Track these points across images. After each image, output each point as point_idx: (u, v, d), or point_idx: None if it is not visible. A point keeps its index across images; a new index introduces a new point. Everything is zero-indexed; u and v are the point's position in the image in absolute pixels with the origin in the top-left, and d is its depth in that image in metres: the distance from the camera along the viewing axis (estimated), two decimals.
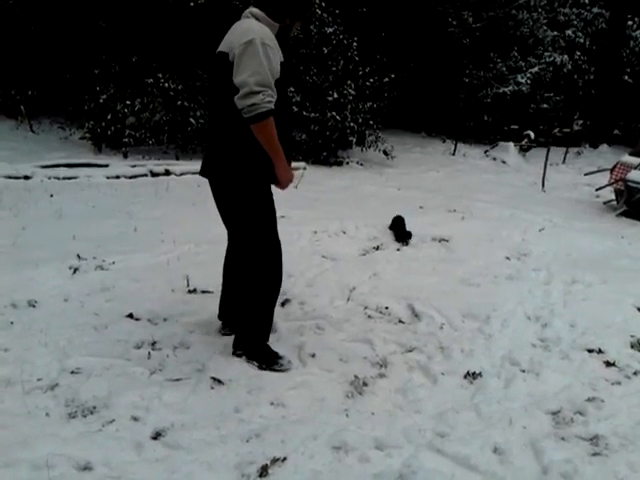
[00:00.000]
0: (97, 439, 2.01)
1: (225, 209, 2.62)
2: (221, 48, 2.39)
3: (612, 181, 6.96)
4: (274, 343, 2.81)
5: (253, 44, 2.23)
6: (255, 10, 2.41)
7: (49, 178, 6.23)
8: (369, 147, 9.74)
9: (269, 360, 2.61)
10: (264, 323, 2.66)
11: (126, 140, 8.07)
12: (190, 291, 3.42)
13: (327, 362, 2.68)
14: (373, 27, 11.21)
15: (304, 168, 7.92)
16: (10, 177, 6.02)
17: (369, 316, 3.27)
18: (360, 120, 9.06)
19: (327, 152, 9.06)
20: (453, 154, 11.56)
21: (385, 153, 9.75)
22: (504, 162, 11.02)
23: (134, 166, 7.05)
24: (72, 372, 2.42)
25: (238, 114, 2.28)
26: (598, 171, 8.29)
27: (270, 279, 2.62)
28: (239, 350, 2.65)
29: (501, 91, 12.95)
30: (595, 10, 15.42)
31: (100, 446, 1.97)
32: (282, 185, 2.54)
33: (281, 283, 2.71)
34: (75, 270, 3.59)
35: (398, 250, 4.58)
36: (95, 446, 1.96)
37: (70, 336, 2.73)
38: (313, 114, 8.62)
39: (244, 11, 2.49)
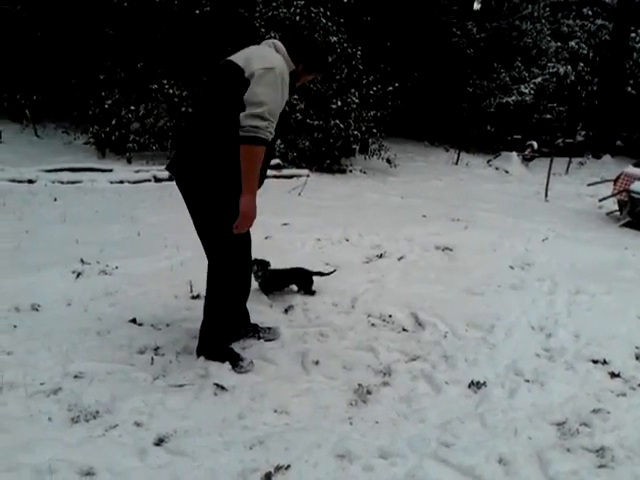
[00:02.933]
0: (100, 444, 2.00)
1: (195, 212, 2.52)
2: (235, 60, 2.35)
3: (616, 192, 6.95)
4: (277, 349, 2.81)
5: (274, 73, 2.25)
6: (279, 44, 2.44)
7: (53, 182, 6.25)
8: (372, 155, 9.76)
9: (231, 361, 2.60)
10: (222, 326, 2.65)
11: (130, 145, 8.09)
12: (193, 297, 3.42)
13: (331, 370, 2.67)
14: (377, 36, 11.27)
15: (307, 175, 7.93)
16: (14, 181, 6.05)
17: (372, 324, 3.26)
18: (363, 128, 9.09)
19: (330, 160, 9.08)
20: (456, 163, 11.58)
21: (388, 161, 9.76)
22: (507, 172, 11.04)
23: (138, 171, 7.07)
24: (75, 376, 2.42)
25: (231, 126, 2.24)
26: (601, 182, 8.28)
27: (227, 287, 2.60)
28: (202, 354, 2.63)
29: (504, 101, 12.98)
30: (599, 22, 15.51)
31: (103, 451, 1.95)
32: (242, 219, 2.34)
33: (242, 292, 2.77)
34: (78, 274, 3.59)
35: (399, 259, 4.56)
36: (98, 451, 1.95)
37: (73, 340, 2.72)
38: (317, 122, 8.64)
39: (267, 39, 2.52)
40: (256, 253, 4.14)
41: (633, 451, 2.17)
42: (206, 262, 2.59)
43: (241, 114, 2.22)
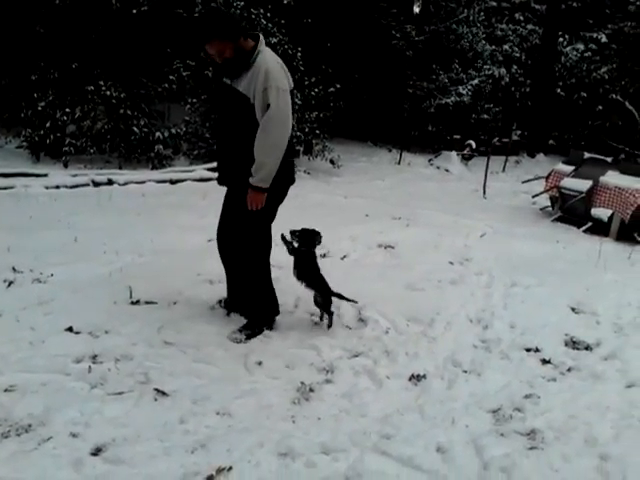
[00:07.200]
0: (32, 458, 1.93)
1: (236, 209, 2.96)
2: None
3: (547, 188, 7.29)
4: (220, 352, 2.79)
5: None
6: None
7: None
8: (316, 156, 9.81)
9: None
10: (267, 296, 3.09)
11: (66, 149, 7.79)
12: (133, 302, 3.33)
13: (274, 369, 2.68)
14: (318, 38, 11.34)
15: None
16: None
17: (315, 323, 3.29)
18: (307, 129, 9.13)
19: None
20: (398, 163, 11.80)
21: (332, 162, 9.84)
22: (447, 170, 11.34)
23: (75, 175, 6.81)
24: (5, 390, 2.32)
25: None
26: (535, 179, 8.66)
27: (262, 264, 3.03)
28: (248, 330, 2.99)
29: (444, 102, 13.34)
30: (530, 27, 16.16)
31: (35, 465, 1.89)
32: None
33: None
34: (10, 283, 3.44)
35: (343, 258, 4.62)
36: (30, 465, 1.88)
37: (3, 352, 2.60)
38: None
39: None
40: (197, 258, 4.09)
41: (561, 432, 2.30)
42: (145, 268, 2.55)
43: None
